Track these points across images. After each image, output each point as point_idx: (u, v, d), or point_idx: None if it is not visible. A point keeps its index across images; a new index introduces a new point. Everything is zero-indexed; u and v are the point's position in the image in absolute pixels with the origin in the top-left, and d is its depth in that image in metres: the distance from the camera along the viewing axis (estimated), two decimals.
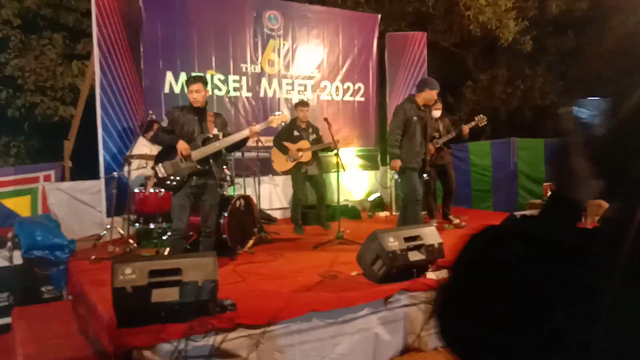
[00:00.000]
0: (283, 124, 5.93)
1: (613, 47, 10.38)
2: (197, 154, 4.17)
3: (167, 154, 4.20)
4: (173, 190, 4.17)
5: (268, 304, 3.44)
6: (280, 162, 6.28)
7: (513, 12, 8.51)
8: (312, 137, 6.29)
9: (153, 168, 4.24)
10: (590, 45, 10.42)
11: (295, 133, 6.22)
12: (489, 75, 10.47)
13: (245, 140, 4.36)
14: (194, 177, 4.18)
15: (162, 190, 4.73)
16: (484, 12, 8.22)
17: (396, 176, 7.51)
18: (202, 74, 4.37)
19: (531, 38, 9.18)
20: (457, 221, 6.30)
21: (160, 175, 4.15)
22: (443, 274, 3.96)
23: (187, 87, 4.17)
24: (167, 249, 4.91)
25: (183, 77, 6.59)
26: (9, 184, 5.52)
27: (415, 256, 3.90)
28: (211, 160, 4.25)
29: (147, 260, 3.10)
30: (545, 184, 5.54)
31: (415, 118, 5.17)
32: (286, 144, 6.22)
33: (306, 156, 6.15)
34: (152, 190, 5.11)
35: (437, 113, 6.16)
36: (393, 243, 3.81)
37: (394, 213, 7.52)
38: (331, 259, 4.74)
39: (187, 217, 4.23)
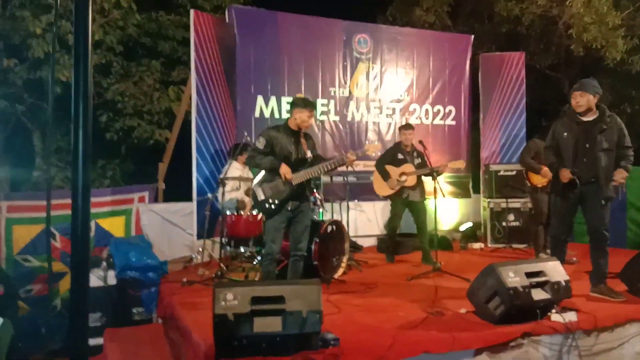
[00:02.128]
0: (379, 152, 5.69)
1: None
2: (298, 177, 4.01)
3: (267, 176, 4.05)
4: (271, 214, 4.00)
5: (373, 341, 3.11)
6: (382, 185, 5.90)
7: (622, 29, 7.80)
8: (417, 161, 5.87)
9: (247, 194, 4.11)
10: None
11: (400, 156, 5.83)
12: None
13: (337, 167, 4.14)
14: (290, 201, 4.01)
15: (260, 213, 4.56)
16: (589, 30, 7.60)
17: (491, 205, 6.98)
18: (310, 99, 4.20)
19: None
20: (572, 259, 5.66)
21: (260, 198, 4.00)
22: (571, 316, 3.44)
23: (306, 109, 3.99)
24: (258, 274, 4.76)
25: (273, 101, 6.57)
26: (105, 204, 5.65)
27: (538, 295, 3.41)
28: (305, 183, 4.06)
29: (248, 286, 2.89)
30: None
31: (565, 134, 4.19)
32: (388, 167, 5.86)
33: (410, 180, 5.76)
34: (249, 213, 5.00)
35: None
36: (514, 279, 3.36)
37: (489, 245, 6.95)
38: (432, 293, 4.33)
39: (281, 240, 4.03)
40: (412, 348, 3.01)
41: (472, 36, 7.91)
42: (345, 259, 5.16)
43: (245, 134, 5.32)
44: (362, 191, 6.50)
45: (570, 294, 3.55)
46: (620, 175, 4.03)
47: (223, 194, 4.90)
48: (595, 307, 3.71)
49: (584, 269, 5.24)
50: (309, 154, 4.12)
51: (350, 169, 5.93)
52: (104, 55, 7.37)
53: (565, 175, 4.08)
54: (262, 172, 4.09)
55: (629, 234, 8.04)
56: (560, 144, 4.21)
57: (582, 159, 4.08)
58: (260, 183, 4.03)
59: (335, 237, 5.03)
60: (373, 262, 5.98)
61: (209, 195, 5.11)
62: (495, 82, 7.70)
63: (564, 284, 3.51)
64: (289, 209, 4.02)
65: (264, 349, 2.78)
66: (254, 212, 5.05)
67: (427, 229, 5.88)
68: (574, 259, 5.74)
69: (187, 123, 6.00)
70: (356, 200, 7.01)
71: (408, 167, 5.79)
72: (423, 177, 6.17)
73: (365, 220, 7.16)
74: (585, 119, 4.09)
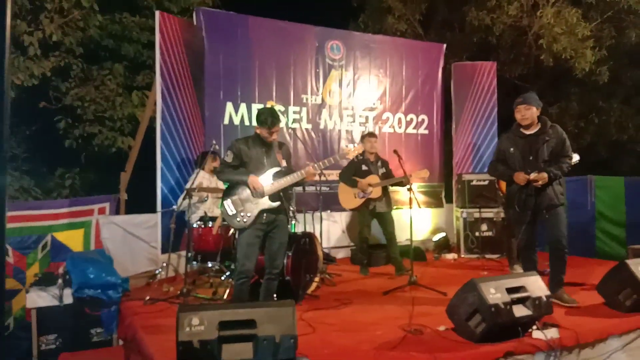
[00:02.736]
0: (360, 157, 5.53)
1: None
2: (270, 188, 3.79)
3: (235, 188, 3.82)
4: (244, 229, 3.76)
5: None
6: (348, 198, 5.82)
7: (590, 40, 7.92)
8: (382, 171, 5.84)
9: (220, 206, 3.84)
10: None
11: (364, 167, 5.77)
12: (558, 108, 9.79)
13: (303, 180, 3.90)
14: (264, 214, 3.78)
15: (231, 229, 4.29)
16: (559, 40, 7.67)
17: (464, 214, 6.92)
18: (276, 111, 3.96)
19: (607, 69, 8.51)
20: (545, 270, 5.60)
21: (230, 213, 3.76)
22: (553, 332, 3.33)
23: (267, 126, 3.76)
24: (227, 289, 4.50)
25: (243, 108, 6.34)
26: (62, 216, 5.28)
27: (520, 311, 3.30)
28: (281, 195, 3.85)
29: (216, 309, 2.65)
30: None
31: (512, 149, 4.25)
32: (355, 178, 5.77)
33: (376, 192, 5.67)
34: (220, 227, 4.73)
35: None
36: (495, 295, 3.23)
37: (463, 255, 6.88)
38: (408, 309, 4.17)
39: (256, 257, 3.79)
40: None
41: (445, 45, 7.88)
42: (318, 273, 4.96)
43: (214, 141, 5.06)
44: (335, 201, 6.31)
45: (552, 309, 3.46)
46: (535, 176, 4.05)
47: (189, 205, 4.64)
48: (576, 322, 3.62)
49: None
50: (283, 164, 3.91)
51: (323, 177, 5.81)
52: (62, 58, 6.95)
53: (521, 177, 4.10)
54: (233, 186, 3.85)
55: (598, 244, 8.13)
56: (507, 159, 4.27)
57: (528, 172, 4.12)
58: (230, 197, 3.79)
59: (308, 250, 4.82)
60: (347, 274, 5.80)
61: (174, 206, 4.82)
62: (467, 91, 7.68)
63: (545, 299, 3.40)
64: (263, 221, 3.78)
65: None
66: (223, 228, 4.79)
67: (396, 240, 5.85)
68: (547, 270, 5.70)
69: (151, 130, 5.70)
70: (329, 211, 6.82)
71: (373, 179, 5.69)
72: (396, 188, 6.07)
73: (338, 231, 6.99)
74: (528, 132, 4.18)
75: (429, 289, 4.81)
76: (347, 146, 4.03)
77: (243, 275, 3.71)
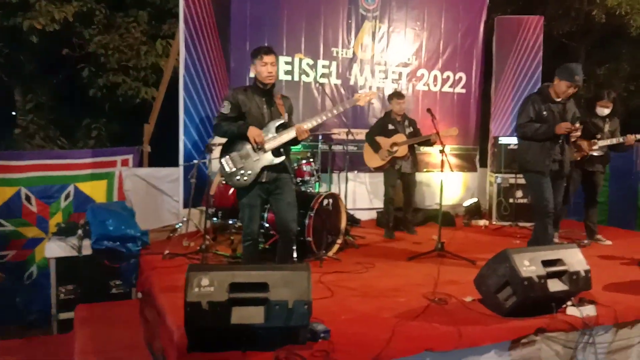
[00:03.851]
0: (369, 112, 5.24)
1: None
2: (273, 142, 3.46)
3: (233, 144, 3.49)
4: (243, 187, 3.46)
5: (369, 333, 2.76)
6: (373, 157, 5.61)
7: None
8: (409, 130, 5.61)
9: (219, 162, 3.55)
10: None
11: (390, 126, 5.58)
12: (607, 69, 9.11)
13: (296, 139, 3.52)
14: (266, 172, 3.47)
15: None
16: None
17: (499, 180, 6.59)
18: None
19: None
20: (608, 242, 5.38)
21: (228, 170, 3.45)
22: (589, 310, 3.09)
23: (257, 59, 3.40)
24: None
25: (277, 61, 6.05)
26: (85, 166, 5.23)
27: (555, 286, 3.05)
28: (283, 151, 3.53)
29: (227, 270, 2.51)
30: None
31: (545, 113, 4.29)
32: (379, 139, 5.55)
33: (402, 150, 5.46)
34: (221, 185, 4.55)
35: (603, 111, 5.23)
36: (529, 267, 2.99)
37: (494, 222, 6.59)
38: (434, 276, 3.96)
39: (259, 218, 3.58)
40: (413, 345, 2.65)
41: None
42: (341, 235, 4.80)
43: None
44: (362, 161, 6.07)
45: (590, 285, 3.19)
46: (578, 126, 4.29)
47: (209, 160, 4.48)
48: (615, 300, 3.35)
49: (597, 253, 4.92)
50: (285, 117, 3.57)
51: (351, 136, 5.55)
52: (85, 3, 6.71)
53: (564, 125, 4.18)
54: (230, 141, 3.53)
55: (639, 215, 7.70)
56: (539, 121, 4.33)
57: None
58: (228, 153, 3.46)
59: (331, 211, 4.65)
60: (371, 237, 5.62)
61: (195, 160, 4.67)
62: (510, 48, 7.16)
63: (583, 274, 3.14)
64: (264, 180, 3.45)
65: (243, 343, 2.43)
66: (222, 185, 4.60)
67: (413, 202, 5.91)
68: (585, 241, 5.40)
69: (175, 81, 5.51)
70: (356, 172, 6.59)
71: (399, 137, 5.50)
72: (428, 150, 5.82)
73: (364, 193, 6.76)
74: (558, 100, 4.32)
75: (456, 257, 4.59)
76: (359, 92, 3.68)
77: (249, 238, 3.49)
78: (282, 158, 3.50)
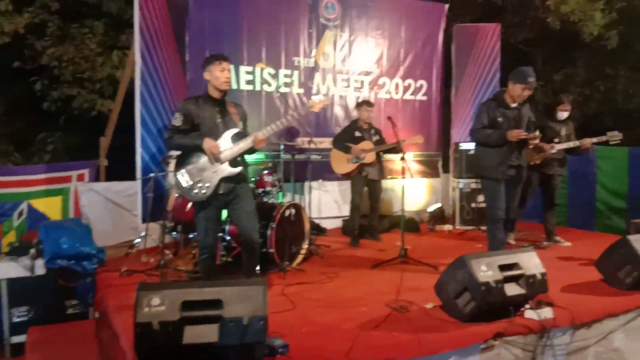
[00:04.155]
0: (333, 121, 5.23)
1: None
2: (230, 153, 3.39)
3: (188, 157, 3.39)
4: (202, 201, 3.37)
5: (329, 346, 2.73)
6: (341, 163, 5.61)
7: (600, 2, 7.47)
8: (375, 138, 5.67)
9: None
10: None
11: (357, 134, 5.62)
12: (563, 75, 9.39)
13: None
14: (223, 183, 3.39)
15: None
16: (567, 2, 7.23)
17: (461, 185, 6.69)
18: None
19: (617, 33, 8.07)
20: (567, 243, 5.50)
21: (184, 184, 3.35)
22: (546, 312, 3.13)
23: (215, 64, 3.34)
24: None
25: (231, 70, 5.97)
26: (39, 183, 5.04)
27: (513, 290, 3.09)
28: (240, 160, 3.47)
29: (180, 288, 2.44)
30: None
31: (500, 119, 4.32)
32: (348, 144, 5.56)
33: (370, 157, 5.49)
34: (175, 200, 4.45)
35: (563, 114, 5.37)
36: (486, 272, 3.02)
37: (458, 227, 6.67)
38: (396, 284, 3.96)
39: (217, 231, 3.51)
40: (373, 355, 2.63)
41: (447, 5, 7.44)
42: (305, 246, 4.76)
43: None
44: (327, 170, 6.06)
45: (546, 288, 3.24)
46: (534, 134, 4.28)
47: (167, 173, 4.38)
48: (572, 301, 3.42)
49: (557, 255, 5.02)
50: (240, 126, 3.49)
51: (313, 145, 5.54)
52: (37, 14, 6.50)
53: (515, 133, 4.15)
54: (185, 154, 3.42)
55: (598, 216, 7.92)
56: (493, 127, 4.31)
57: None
58: (184, 166, 3.36)
59: (294, 221, 4.61)
60: (337, 246, 5.61)
61: (152, 174, 4.55)
62: (469, 55, 7.30)
63: (539, 277, 3.19)
64: (221, 192, 3.38)
65: None
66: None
67: (379, 209, 5.90)
68: (545, 242, 5.51)
69: (131, 92, 5.38)
70: (320, 180, 6.57)
71: (367, 144, 5.52)
72: (390, 157, 5.86)
73: (330, 201, 6.73)
74: (513, 105, 4.32)
75: (419, 263, 4.61)
76: (312, 99, 3.66)
77: (205, 251, 3.42)
78: (240, 168, 3.45)
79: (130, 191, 5.26)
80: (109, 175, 5.58)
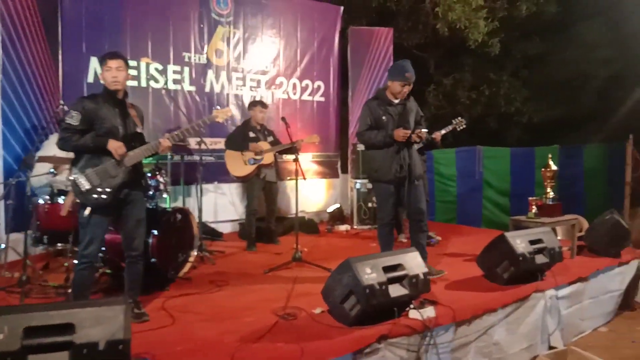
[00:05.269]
0: (229, 121, 5.07)
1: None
2: (133, 156, 3.15)
3: (87, 159, 3.11)
4: (101, 206, 3.09)
5: None
6: (237, 165, 5.38)
7: (484, 10, 7.96)
8: (269, 139, 5.52)
9: (71, 180, 3.10)
10: (556, 52, 10.12)
11: (251, 134, 5.45)
12: (453, 79, 9.92)
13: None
14: (123, 188, 3.16)
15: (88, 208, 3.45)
16: (454, 9, 7.62)
17: (358, 185, 6.77)
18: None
19: (499, 40, 8.67)
20: (438, 237, 5.63)
21: (84, 188, 3.05)
22: (429, 311, 3.17)
23: (102, 65, 3.14)
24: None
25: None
26: None
27: (397, 291, 3.08)
28: (138, 165, 3.26)
29: (22, 312, 2.10)
30: (531, 198, 4.92)
31: (383, 117, 4.11)
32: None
33: (268, 158, 5.33)
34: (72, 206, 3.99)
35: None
36: (370, 275, 2.98)
37: (355, 227, 6.74)
38: (288, 289, 3.86)
39: (101, 239, 3.20)
40: None
41: (342, 7, 7.51)
42: (193, 253, 4.48)
43: (61, 102, 4.33)
44: (222, 172, 5.82)
45: (429, 287, 3.29)
46: (419, 132, 4.06)
47: (30, 177, 3.89)
48: (453, 298, 3.51)
49: (444, 251, 5.21)
50: (140, 128, 3.31)
51: (204, 145, 5.26)
52: None
53: (401, 133, 3.97)
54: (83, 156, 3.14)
55: (485, 213, 8.42)
56: (378, 126, 4.11)
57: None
58: (83, 169, 3.08)
59: (180, 227, 4.31)
60: (232, 251, 5.40)
61: (12, 179, 4.02)
62: (364, 57, 7.42)
63: (422, 277, 3.22)
64: (121, 197, 3.17)
65: None
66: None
67: (276, 211, 5.80)
68: (438, 237, 5.72)
69: None
70: (216, 182, 6.31)
71: (264, 145, 5.36)
72: (288, 157, 5.76)
73: (226, 204, 6.50)
74: (396, 101, 4.13)
75: (316, 266, 4.53)
76: (215, 108, 3.54)
77: (86, 260, 3.09)
78: (141, 173, 3.19)
79: None
80: None
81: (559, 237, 4.86)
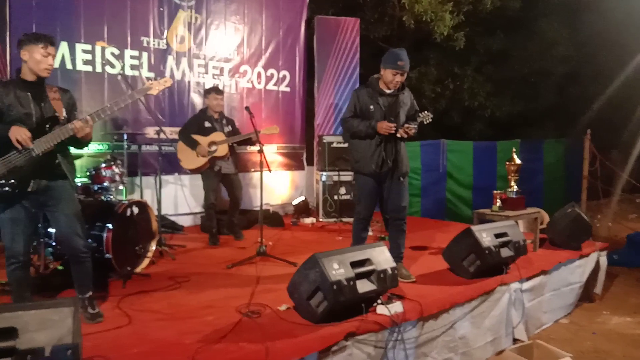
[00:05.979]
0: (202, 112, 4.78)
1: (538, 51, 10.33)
2: (42, 143, 2.83)
3: None
4: (6, 200, 2.81)
5: None
6: (189, 157, 5.15)
7: (449, 4, 7.97)
8: (227, 129, 5.29)
9: None
10: (518, 47, 10.29)
11: (207, 124, 5.18)
12: (418, 72, 9.94)
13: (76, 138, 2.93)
14: (33, 179, 2.86)
15: None
16: (420, 1, 7.58)
17: (324, 177, 6.66)
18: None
19: (464, 35, 8.71)
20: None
21: None
22: (397, 306, 3.11)
23: (38, 45, 2.81)
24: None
25: (64, 47, 5.22)
26: None
27: (365, 287, 3.00)
28: (59, 154, 2.94)
29: None
30: (495, 191, 4.94)
31: (371, 107, 3.82)
32: (196, 137, 5.12)
33: (221, 150, 5.11)
34: None
35: None
36: (338, 271, 2.89)
37: (321, 219, 6.65)
38: (252, 285, 3.73)
39: (26, 236, 2.92)
40: None
41: None
42: (152, 247, 4.28)
43: None
44: None
45: (397, 282, 3.23)
46: (407, 126, 3.75)
47: None
48: (420, 293, 3.46)
49: (410, 245, 5.18)
50: (63, 114, 2.96)
51: (163, 135, 5.02)
52: None
53: (385, 126, 3.70)
54: None
55: (448, 205, 8.51)
56: (364, 115, 3.86)
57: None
58: None
59: (137, 221, 4.10)
60: (193, 245, 5.20)
61: None
62: (330, 48, 7.29)
63: (390, 272, 3.15)
64: (30, 190, 2.85)
65: None
66: None
67: (239, 205, 5.53)
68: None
69: None
70: (176, 174, 6.08)
71: (218, 136, 5.14)
72: (252, 149, 5.58)
73: (188, 196, 6.28)
74: (389, 91, 3.85)
75: (281, 260, 4.41)
76: (150, 80, 3.24)
77: (13, 260, 2.83)
78: (56, 161, 2.90)
79: None
80: None
81: (521, 230, 4.92)
